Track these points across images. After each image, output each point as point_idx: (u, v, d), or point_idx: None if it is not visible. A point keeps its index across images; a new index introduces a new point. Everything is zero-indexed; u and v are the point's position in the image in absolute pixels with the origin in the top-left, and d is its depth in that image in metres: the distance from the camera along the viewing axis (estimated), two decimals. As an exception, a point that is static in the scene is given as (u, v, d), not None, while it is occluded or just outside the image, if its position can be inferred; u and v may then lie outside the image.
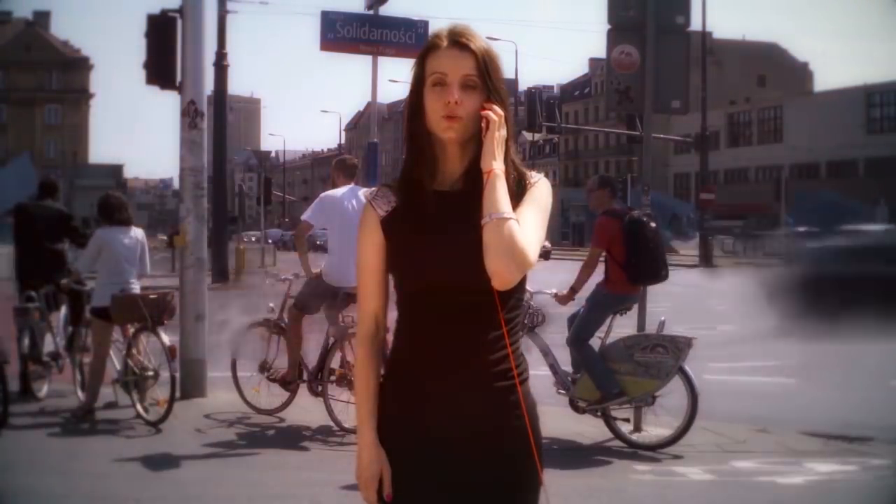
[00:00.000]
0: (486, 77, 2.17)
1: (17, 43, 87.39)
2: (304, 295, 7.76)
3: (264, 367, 8.10)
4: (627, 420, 7.33)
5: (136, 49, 9.98)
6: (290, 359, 7.84)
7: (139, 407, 7.68)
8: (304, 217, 7.86)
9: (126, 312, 7.70)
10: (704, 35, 35.16)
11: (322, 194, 7.95)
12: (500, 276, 2.06)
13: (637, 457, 6.88)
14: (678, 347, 6.94)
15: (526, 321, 7.20)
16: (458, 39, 2.19)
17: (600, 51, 8.41)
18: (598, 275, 7.49)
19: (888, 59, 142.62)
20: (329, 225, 7.75)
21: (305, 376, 7.88)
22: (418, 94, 2.20)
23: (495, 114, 2.15)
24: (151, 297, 7.73)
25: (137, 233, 8.09)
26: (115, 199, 8.15)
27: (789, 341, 13.04)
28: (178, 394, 7.98)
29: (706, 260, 38.29)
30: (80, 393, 8.18)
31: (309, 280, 7.75)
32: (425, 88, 2.19)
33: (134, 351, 7.77)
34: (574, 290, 7.40)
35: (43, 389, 8.58)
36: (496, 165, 2.13)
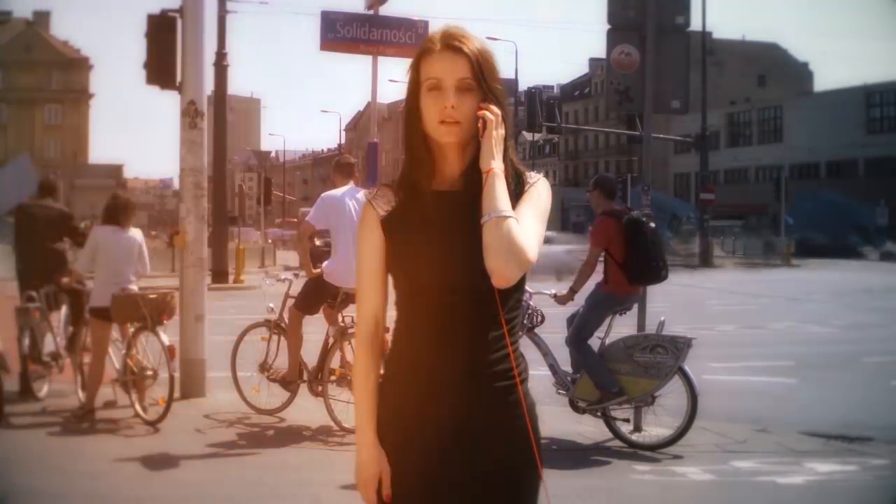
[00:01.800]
0: (482, 78, 2.17)
1: (17, 43, 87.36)
2: (304, 295, 7.77)
3: (264, 368, 8.11)
4: (627, 420, 7.32)
5: (136, 49, 10.01)
6: (290, 359, 7.85)
7: (138, 406, 7.70)
8: (307, 218, 7.87)
9: (126, 312, 7.71)
10: (704, 35, 35.10)
11: (323, 195, 7.95)
12: (500, 275, 2.06)
13: (637, 457, 6.88)
14: (678, 347, 6.94)
15: (526, 321, 7.20)
16: (451, 42, 2.18)
17: (600, 51, 8.42)
18: (598, 275, 7.49)
19: (888, 59, 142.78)
20: (330, 225, 7.75)
21: (305, 376, 7.89)
22: (415, 98, 2.20)
23: (492, 113, 2.15)
24: (151, 296, 7.74)
25: (135, 233, 8.12)
26: (123, 200, 8.22)
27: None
28: (177, 394, 7.99)
29: (706, 260, 38.24)
30: (80, 393, 8.18)
31: (309, 280, 7.76)
32: (421, 93, 2.19)
33: (133, 351, 7.79)
34: (573, 290, 7.40)
35: (43, 389, 8.59)
36: (495, 165, 2.13)
